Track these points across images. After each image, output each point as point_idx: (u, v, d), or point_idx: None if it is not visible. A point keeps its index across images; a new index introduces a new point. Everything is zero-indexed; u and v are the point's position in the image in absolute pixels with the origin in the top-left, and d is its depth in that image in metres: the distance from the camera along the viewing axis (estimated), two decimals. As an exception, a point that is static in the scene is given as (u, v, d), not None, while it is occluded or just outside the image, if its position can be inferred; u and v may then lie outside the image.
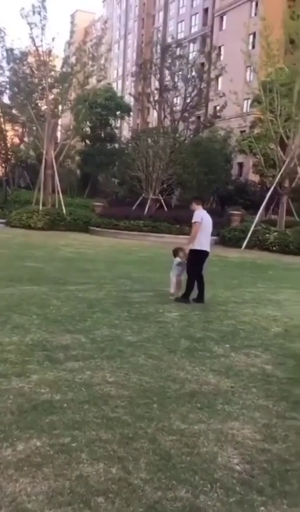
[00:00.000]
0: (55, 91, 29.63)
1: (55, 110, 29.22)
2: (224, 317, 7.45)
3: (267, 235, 20.21)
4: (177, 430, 3.68)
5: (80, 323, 6.54)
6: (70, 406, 3.95)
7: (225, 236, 21.56)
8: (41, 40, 26.62)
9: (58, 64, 30.32)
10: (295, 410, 4.19)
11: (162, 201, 26.72)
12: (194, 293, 8.41)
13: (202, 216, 8.40)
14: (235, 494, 2.94)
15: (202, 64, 43.71)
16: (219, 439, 3.61)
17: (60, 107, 29.60)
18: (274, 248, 19.65)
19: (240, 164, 45.48)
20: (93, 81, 31.86)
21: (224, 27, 54.38)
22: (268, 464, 3.31)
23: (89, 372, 4.72)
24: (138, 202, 26.70)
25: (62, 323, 6.47)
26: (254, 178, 39.71)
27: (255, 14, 45.27)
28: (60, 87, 28.64)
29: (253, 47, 41.56)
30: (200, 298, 8.41)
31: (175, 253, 8.63)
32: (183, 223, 20.68)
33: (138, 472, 3.09)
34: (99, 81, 30.92)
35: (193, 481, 3.04)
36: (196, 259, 8.38)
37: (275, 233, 20.26)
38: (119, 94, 53.13)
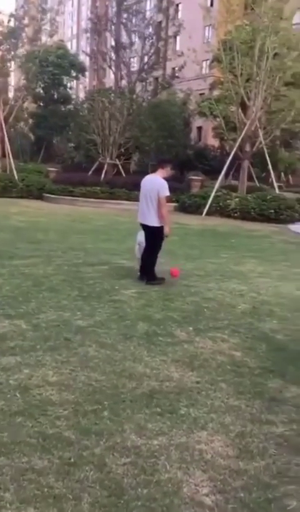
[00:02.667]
0: (3, 47, 27.62)
1: (4, 68, 27.30)
2: (186, 293, 6.74)
3: (228, 201, 19.52)
4: (132, 449, 2.97)
5: (23, 305, 5.69)
6: (-2, 420, 3.18)
7: (185, 203, 20.77)
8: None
9: (6, 19, 28.16)
10: (272, 412, 3.55)
11: (119, 166, 25.57)
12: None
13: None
14: None
15: (160, 23, 41.82)
16: (183, 458, 2.91)
17: (8, 64, 27.68)
18: (236, 215, 19.03)
19: (199, 128, 44.41)
20: (44, 37, 29.90)
21: (181, -17, 52.17)
22: (245, 493, 2.64)
23: (27, 370, 3.93)
24: (94, 167, 25.46)
25: (2, 306, 5.61)
26: (214, 142, 38.87)
27: (214, -30, 43.39)
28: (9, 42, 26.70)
29: (211, 4, 40.21)
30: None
31: None
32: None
33: (80, 519, 2.37)
34: (50, 35, 28.96)
35: (152, 527, 2.35)
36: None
37: (237, 199, 19.58)
38: (73, 53, 50.58)
